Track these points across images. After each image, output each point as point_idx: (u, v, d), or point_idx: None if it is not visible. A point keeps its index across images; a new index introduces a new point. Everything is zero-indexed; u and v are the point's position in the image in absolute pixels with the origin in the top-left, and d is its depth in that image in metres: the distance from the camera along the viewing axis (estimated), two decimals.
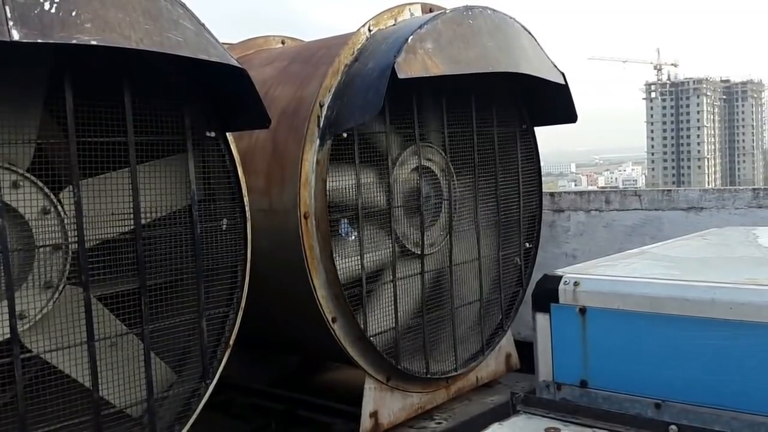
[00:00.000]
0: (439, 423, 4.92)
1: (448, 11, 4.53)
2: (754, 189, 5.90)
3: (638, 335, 2.82)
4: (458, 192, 5.07)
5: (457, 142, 5.02)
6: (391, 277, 4.57)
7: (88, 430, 3.14)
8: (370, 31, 4.63)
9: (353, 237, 4.41)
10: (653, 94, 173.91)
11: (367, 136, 4.43)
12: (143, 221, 3.36)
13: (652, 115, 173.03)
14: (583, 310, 2.94)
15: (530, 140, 5.59)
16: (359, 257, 4.36)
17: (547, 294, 3.05)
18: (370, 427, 4.59)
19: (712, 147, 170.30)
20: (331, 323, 4.35)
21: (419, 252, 4.77)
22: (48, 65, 3.03)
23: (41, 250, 3.11)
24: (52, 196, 3.14)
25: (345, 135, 4.25)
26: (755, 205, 5.80)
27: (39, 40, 2.56)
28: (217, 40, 3.24)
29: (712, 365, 2.64)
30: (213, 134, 3.65)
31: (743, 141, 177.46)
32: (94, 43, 2.68)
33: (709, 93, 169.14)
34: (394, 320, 4.56)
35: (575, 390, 2.97)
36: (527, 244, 5.60)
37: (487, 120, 5.18)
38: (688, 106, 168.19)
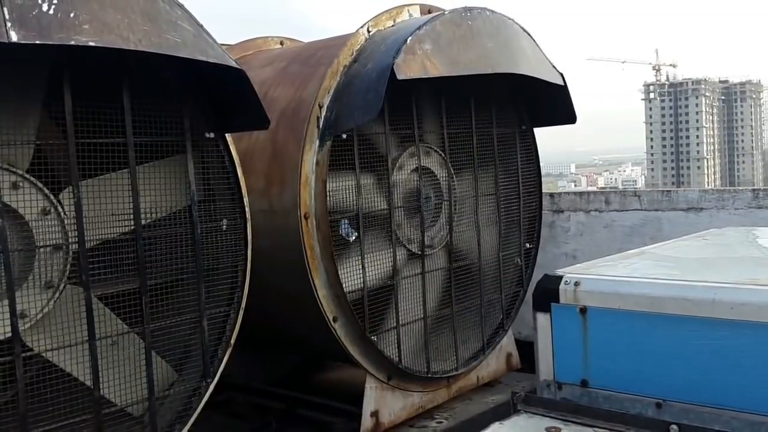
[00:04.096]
0: (440, 422, 4.93)
1: (447, 12, 4.54)
2: (753, 189, 5.91)
3: (639, 335, 2.82)
4: (458, 192, 5.08)
5: (457, 143, 5.02)
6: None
7: (89, 428, 3.15)
8: (369, 32, 4.63)
9: (353, 237, 4.41)
10: (652, 95, 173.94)
11: (366, 137, 4.43)
12: (143, 221, 3.36)
13: (650, 116, 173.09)
14: (583, 310, 2.94)
15: (530, 141, 5.60)
16: (360, 257, 4.37)
17: (547, 294, 3.05)
18: (371, 426, 4.59)
19: (712, 147, 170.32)
20: (332, 323, 4.36)
21: (420, 252, 4.77)
22: (47, 66, 3.03)
23: (41, 250, 3.11)
24: (52, 197, 3.14)
25: (344, 136, 4.26)
26: (755, 205, 5.81)
27: (37, 41, 2.56)
28: (215, 41, 3.25)
29: (712, 365, 2.64)
30: (212, 135, 3.65)
31: (742, 141, 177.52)
32: (92, 44, 2.69)
33: (707, 94, 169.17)
34: (395, 320, 4.57)
35: (576, 389, 2.97)
36: (527, 245, 5.60)
37: (487, 121, 5.19)
38: (686, 106, 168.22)
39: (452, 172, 5.00)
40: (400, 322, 4.60)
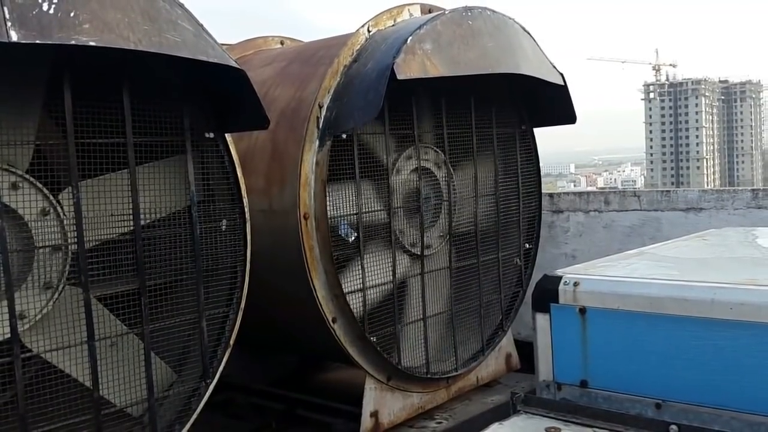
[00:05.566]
0: (440, 423, 4.93)
1: (447, 12, 4.53)
2: (753, 190, 5.91)
3: (638, 335, 2.82)
4: (457, 193, 5.07)
5: (457, 143, 5.02)
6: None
7: (88, 429, 3.14)
8: (369, 31, 4.63)
9: (353, 238, 4.41)
10: (652, 95, 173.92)
11: (366, 136, 4.43)
12: (142, 222, 3.36)
13: (650, 116, 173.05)
14: (582, 311, 2.94)
15: (529, 141, 5.59)
16: (360, 258, 4.37)
17: (547, 294, 3.05)
18: (370, 426, 4.59)
19: (711, 147, 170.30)
20: (331, 323, 4.36)
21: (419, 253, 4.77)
22: (47, 66, 3.03)
23: (41, 250, 3.11)
24: (52, 197, 3.14)
25: (344, 136, 4.26)
26: (754, 205, 5.81)
27: (37, 41, 2.56)
28: (215, 41, 3.24)
29: (712, 365, 2.64)
30: (212, 135, 3.65)
31: (742, 141, 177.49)
32: (92, 43, 2.68)
33: (707, 94, 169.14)
34: (394, 320, 4.57)
35: (575, 390, 2.97)
36: (527, 245, 5.60)
37: (487, 121, 5.19)
38: (686, 106, 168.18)
39: (452, 172, 5.00)
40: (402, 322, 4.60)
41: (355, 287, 4.38)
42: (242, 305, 3.82)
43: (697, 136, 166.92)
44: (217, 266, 3.71)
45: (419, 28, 4.24)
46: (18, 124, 3.05)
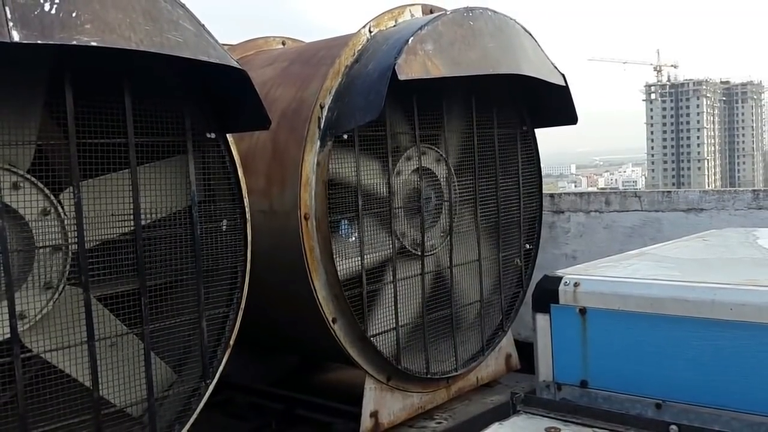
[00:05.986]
0: (440, 423, 4.93)
1: (448, 12, 4.53)
2: (753, 190, 5.91)
3: (638, 336, 2.82)
4: (458, 193, 5.07)
5: (458, 144, 5.02)
6: (392, 278, 4.57)
7: (88, 429, 3.14)
8: (370, 32, 4.63)
9: (353, 238, 4.41)
10: (653, 96, 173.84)
11: (367, 137, 4.43)
12: (143, 222, 3.36)
13: (652, 117, 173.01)
14: (583, 311, 2.94)
15: (530, 142, 5.59)
16: (360, 257, 4.36)
17: (547, 295, 3.05)
18: (370, 426, 4.59)
19: (712, 148, 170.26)
20: (331, 324, 4.36)
21: (419, 253, 4.77)
22: (48, 66, 3.03)
23: (41, 250, 3.11)
24: (52, 197, 3.14)
25: (346, 137, 4.26)
26: (755, 206, 5.81)
27: (39, 41, 2.56)
28: (217, 41, 3.24)
29: (712, 366, 2.64)
30: (213, 135, 3.65)
31: (743, 142, 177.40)
32: (94, 44, 2.69)
33: (709, 94, 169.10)
34: (395, 321, 4.57)
35: (575, 390, 2.97)
36: (527, 246, 5.60)
37: (488, 121, 5.19)
38: (688, 107, 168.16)
39: (453, 172, 5.00)
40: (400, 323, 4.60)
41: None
42: (242, 305, 3.82)
43: (698, 137, 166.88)
44: (218, 266, 3.71)
45: (420, 28, 4.24)
46: (19, 124, 3.05)
